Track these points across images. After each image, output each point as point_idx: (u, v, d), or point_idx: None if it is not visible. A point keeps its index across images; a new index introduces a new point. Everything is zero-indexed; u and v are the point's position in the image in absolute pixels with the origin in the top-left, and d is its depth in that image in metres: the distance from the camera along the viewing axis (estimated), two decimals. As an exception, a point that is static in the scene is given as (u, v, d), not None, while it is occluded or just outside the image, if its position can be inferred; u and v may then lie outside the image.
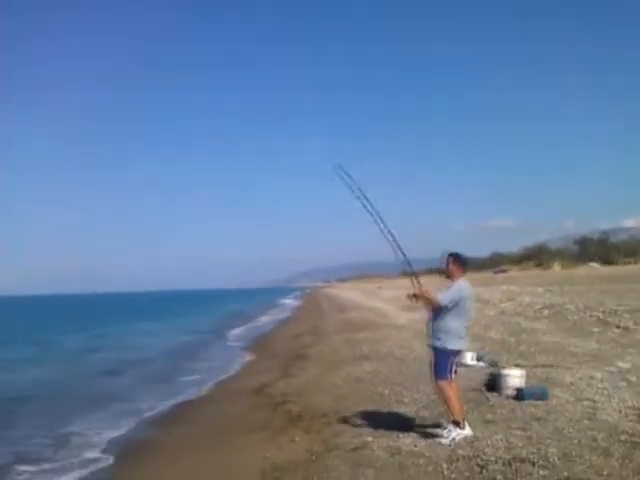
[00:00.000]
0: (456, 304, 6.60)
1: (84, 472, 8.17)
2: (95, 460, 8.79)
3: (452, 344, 6.62)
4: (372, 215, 6.99)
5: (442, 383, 6.61)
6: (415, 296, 6.81)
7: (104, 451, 9.22)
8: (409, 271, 7.02)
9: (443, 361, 6.63)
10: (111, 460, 8.74)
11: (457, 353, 6.75)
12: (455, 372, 6.73)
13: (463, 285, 6.74)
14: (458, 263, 6.87)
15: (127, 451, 9.12)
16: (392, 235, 6.92)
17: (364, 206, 7.03)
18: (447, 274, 6.87)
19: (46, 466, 8.49)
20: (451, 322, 6.62)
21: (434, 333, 6.73)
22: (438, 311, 6.67)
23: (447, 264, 6.86)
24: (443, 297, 6.59)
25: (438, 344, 6.66)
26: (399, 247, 6.91)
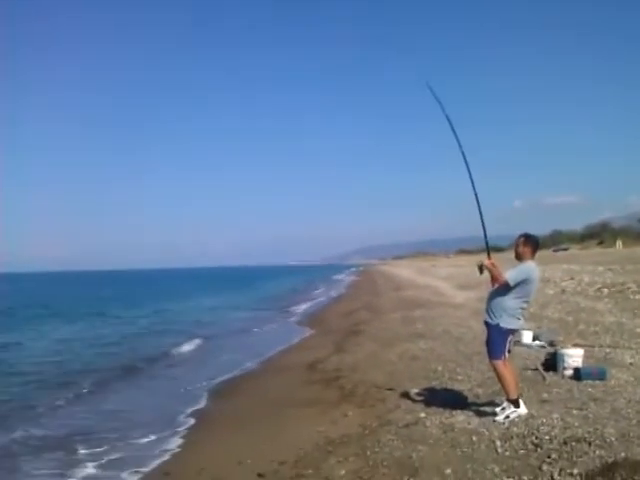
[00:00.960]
0: (520, 284, 6.52)
1: (176, 442, 8.41)
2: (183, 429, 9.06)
3: (508, 323, 6.55)
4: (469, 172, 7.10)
5: (497, 362, 6.55)
6: (482, 267, 6.75)
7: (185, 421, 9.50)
8: (485, 242, 7.05)
9: (498, 339, 6.57)
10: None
11: (512, 332, 6.67)
12: (509, 351, 6.67)
13: (531, 267, 6.63)
14: (529, 244, 6.74)
15: (190, 424, 9.38)
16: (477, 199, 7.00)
17: (465, 162, 7.14)
18: (517, 255, 6.77)
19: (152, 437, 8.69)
20: (510, 301, 6.55)
21: (491, 310, 6.67)
22: (500, 289, 6.59)
23: (517, 245, 6.77)
24: (509, 275, 6.51)
25: (494, 321, 6.60)
26: (480, 212, 6.95)
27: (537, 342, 11.26)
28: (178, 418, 9.63)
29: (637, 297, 17.12)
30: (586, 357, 8.94)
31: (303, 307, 33.76)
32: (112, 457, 7.86)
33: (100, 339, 21.41)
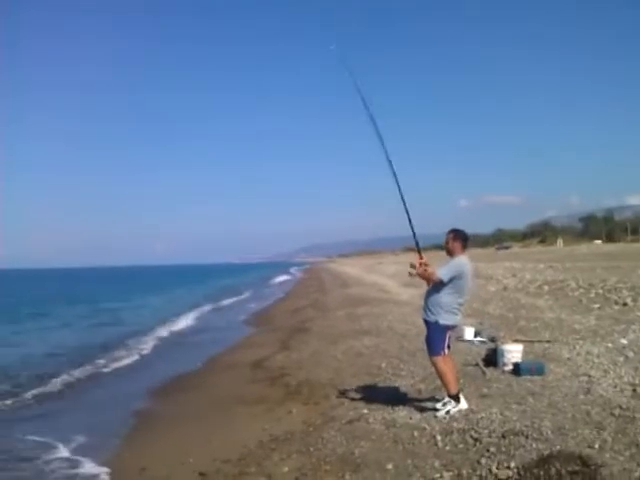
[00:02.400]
0: (454, 280, 6.62)
1: (118, 442, 8.23)
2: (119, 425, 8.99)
3: (446, 319, 6.64)
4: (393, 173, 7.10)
5: (436, 358, 6.65)
6: (414, 274, 6.84)
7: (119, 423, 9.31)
8: (414, 242, 7.12)
9: (437, 336, 6.66)
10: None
11: (451, 328, 6.78)
12: (449, 347, 6.77)
13: (462, 261, 6.74)
14: (459, 239, 6.85)
15: (131, 424, 9.22)
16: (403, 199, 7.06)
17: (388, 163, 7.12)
18: (447, 251, 6.87)
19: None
20: (446, 297, 6.64)
21: (429, 307, 6.75)
22: (435, 286, 6.69)
23: (447, 241, 6.86)
24: (441, 272, 6.60)
25: (432, 318, 6.69)
26: (407, 211, 7.03)
27: (478, 338, 11.49)
28: (120, 419, 9.45)
29: (576, 294, 17.63)
30: (525, 352, 9.16)
31: (250, 305, 33.59)
32: (51, 459, 7.67)
33: (39, 342, 20.78)
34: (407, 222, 7.09)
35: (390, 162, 7.10)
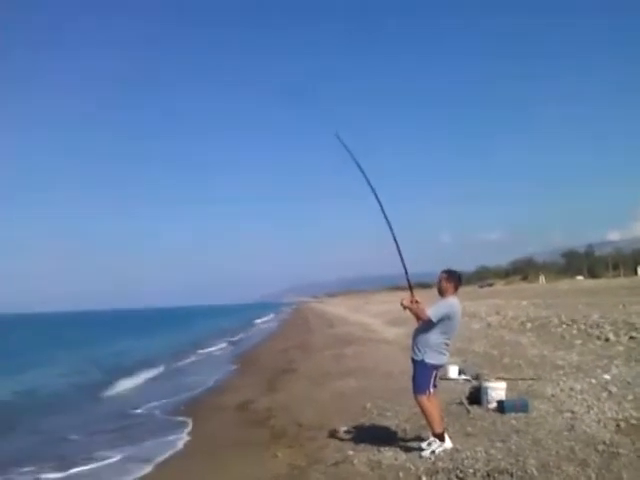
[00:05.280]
0: (443, 320, 6.66)
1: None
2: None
3: (433, 359, 6.67)
4: (382, 212, 7.19)
5: (421, 397, 6.65)
6: (405, 306, 6.87)
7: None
8: (406, 279, 7.15)
9: (423, 375, 6.68)
10: None
11: (437, 367, 6.80)
12: (435, 386, 6.79)
13: (453, 302, 6.78)
14: (452, 280, 6.89)
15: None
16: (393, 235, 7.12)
17: (378, 202, 7.22)
18: (439, 290, 6.90)
19: None
20: (434, 337, 6.68)
21: (416, 346, 6.78)
22: (424, 325, 6.72)
23: (440, 280, 6.90)
24: (431, 312, 6.64)
25: (419, 357, 6.72)
26: (399, 250, 7.07)
27: (462, 376, 11.49)
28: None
29: (558, 330, 17.70)
30: (509, 390, 9.18)
31: (236, 346, 33.33)
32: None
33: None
34: (399, 262, 7.16)
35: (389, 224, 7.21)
